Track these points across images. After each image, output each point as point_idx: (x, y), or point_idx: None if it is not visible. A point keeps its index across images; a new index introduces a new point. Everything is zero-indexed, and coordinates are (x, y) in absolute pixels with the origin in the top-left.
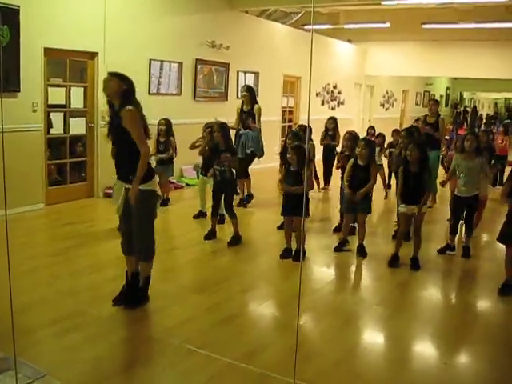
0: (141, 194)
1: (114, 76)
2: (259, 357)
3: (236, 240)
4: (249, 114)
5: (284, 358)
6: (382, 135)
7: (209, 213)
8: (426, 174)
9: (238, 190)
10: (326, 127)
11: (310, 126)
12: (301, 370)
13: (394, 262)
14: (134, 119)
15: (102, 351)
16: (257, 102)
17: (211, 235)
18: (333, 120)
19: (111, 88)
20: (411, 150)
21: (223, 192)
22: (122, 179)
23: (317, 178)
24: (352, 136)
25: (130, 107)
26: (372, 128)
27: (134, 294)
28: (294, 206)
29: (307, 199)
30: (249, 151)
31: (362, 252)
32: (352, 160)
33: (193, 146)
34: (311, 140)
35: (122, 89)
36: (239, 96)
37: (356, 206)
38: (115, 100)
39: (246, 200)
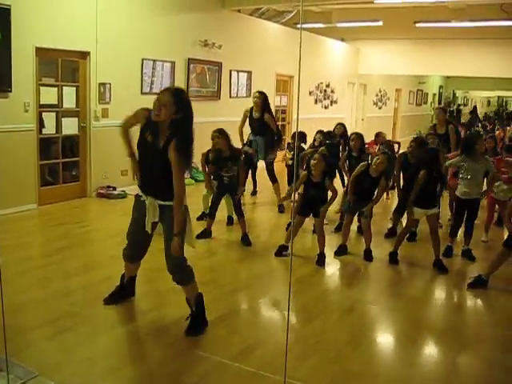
0: (170, 209)
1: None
2: (251, 356)
3: (245, 241)
4: (260, 121)
5: (276, 357)
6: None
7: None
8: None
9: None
10: (334, 133)
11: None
12: (293, 369)
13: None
14: None
15: (94, 352)
16: (270, 110)
17: (204, 234)
18: (341, 125)
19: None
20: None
21: (227, 194)
22: (155, 195)
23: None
24: (359, 136)
25: None
26: (378, 135)
27: (191, 323)
28: (313, 208)
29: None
30: (256, 159)
31: (368, 256)
32: (364, 165)
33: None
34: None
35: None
36: (232, 95)
37: (359, 209)
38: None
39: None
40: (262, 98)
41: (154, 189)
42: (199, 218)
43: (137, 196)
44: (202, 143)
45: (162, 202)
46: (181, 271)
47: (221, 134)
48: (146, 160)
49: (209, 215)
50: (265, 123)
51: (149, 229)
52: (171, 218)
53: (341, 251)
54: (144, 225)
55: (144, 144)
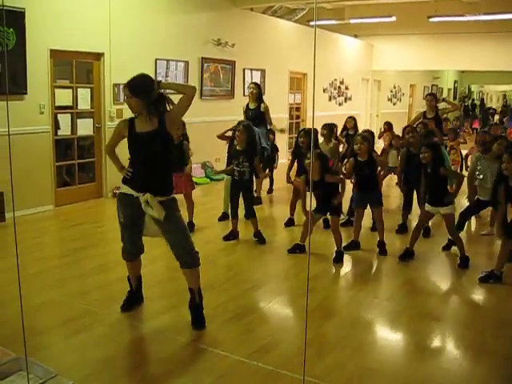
0: (169, 203)
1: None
2: (269, 354)
3: (259, 238)
4: (256, 112)
5: (294, 355)
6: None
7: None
8: (443, 172)
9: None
10: (345, 126)
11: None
12: (311, 367)
13: (405, 256)
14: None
15: (112, 351)
16: (263, 101)
17: (231, 236)
18: (352, 119)
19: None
20: (423, 152)
21: (241, 192)
22: (154, 192)
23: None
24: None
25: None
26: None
27: (198, 315)
28: (326, 205)
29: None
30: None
31: (382, 250)
32: (352, 159)
33: (222, 136)
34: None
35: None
36: (246, 93)
37: (367, 200)
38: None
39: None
40: (258, 89)
41: (154, 185)
42: (221, 219)
43: (123, 194)
44: (216, 141)
45: (161, 198)
46: (191, 254)
47: (245, 129)
48: (143, 155)
49: (231, 216)
50: (261, 114)
51: (154, 227)
52: (171, 211)
53: (351, 246)
54: (139, 220)
55: (137, 139)
